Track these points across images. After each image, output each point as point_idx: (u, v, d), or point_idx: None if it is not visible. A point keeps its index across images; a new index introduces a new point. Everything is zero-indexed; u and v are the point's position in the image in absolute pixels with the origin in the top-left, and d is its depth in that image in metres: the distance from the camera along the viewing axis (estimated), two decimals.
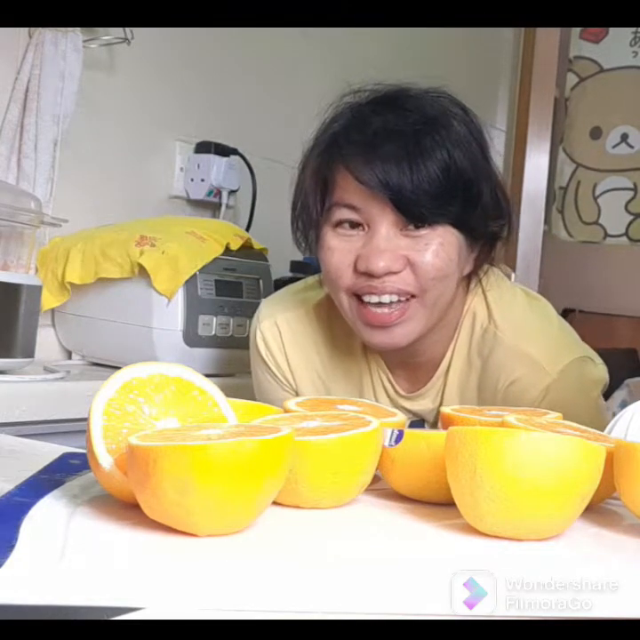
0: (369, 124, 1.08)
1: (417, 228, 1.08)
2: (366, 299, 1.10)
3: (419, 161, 1.05)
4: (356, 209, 1.09)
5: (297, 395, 1.26)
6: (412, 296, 1.10)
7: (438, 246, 1.08)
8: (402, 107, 1.09)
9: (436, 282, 1.09)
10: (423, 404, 1.21)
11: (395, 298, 1.09)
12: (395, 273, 1.08)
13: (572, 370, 1.16)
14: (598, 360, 1.21)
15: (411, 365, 1.21)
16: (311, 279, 1.30)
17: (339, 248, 1.10)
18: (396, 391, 1.22)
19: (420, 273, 1.08)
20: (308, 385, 1.26)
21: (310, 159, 1.15)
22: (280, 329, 1.26)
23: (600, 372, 1.20)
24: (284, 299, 1.31)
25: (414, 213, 1.07)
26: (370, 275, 1.08)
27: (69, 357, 1.85)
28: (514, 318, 1.18)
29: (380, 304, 1.10)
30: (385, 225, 1.08)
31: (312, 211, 1.14)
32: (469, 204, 1.09)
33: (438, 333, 1.17)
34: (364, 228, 1.10)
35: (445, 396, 1.20)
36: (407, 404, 1.22)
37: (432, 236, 1.08)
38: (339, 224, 1.11)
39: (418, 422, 1.22)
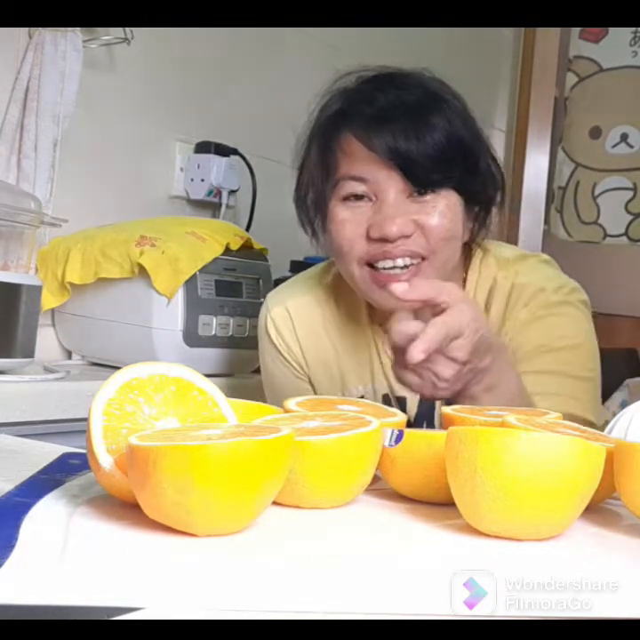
0: (375, 98, 1.16)
1: (422, 194, 1.15)
2: (380, 265, 1.16)
3: (424, 130, 1.13)
4: (363, 180, 1.15)
5: (309, 381, 1.31)
6: (423, 259, 1.16)
7: (445, 208, 1.15)
8: (403, 82, 1.18)
9: (445, 242, 1.16)
10: None
11: (408, 261, 1.15)
12: (407, 236, 1.14)
13: (568, 290, 1.25)
14: None
15: None
16: (321, 265, 1.36)
17: (350, 219, 1.17)
18: None
19: (429, 234, 1.15)
20: (320, 369, 1.30)
21: (315, 138, 1.21)
22: (291, 314, 1.31)
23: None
24: (291, 286, 1.36)
25: (421, 178, 1.14)
26: (384, 240, 1.14)
27: (69, 357, 1.85)
28: (537, 280, 1.23)
29: (393, 268, 1.15)
30: (393, 192, 1.14)
31: (318, 187, 1.20)
32: (469, 169, 1.17)
33: None
34: (371, 199, 1.16)
35: None
36: None
37: (437, 199, 1.15)
38: (346, 198, 1.17)
39: (429, 405, 1.24)
